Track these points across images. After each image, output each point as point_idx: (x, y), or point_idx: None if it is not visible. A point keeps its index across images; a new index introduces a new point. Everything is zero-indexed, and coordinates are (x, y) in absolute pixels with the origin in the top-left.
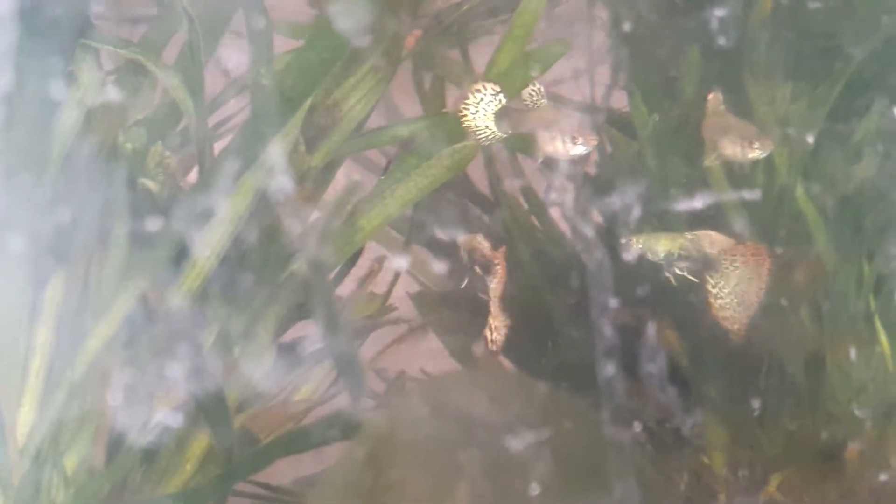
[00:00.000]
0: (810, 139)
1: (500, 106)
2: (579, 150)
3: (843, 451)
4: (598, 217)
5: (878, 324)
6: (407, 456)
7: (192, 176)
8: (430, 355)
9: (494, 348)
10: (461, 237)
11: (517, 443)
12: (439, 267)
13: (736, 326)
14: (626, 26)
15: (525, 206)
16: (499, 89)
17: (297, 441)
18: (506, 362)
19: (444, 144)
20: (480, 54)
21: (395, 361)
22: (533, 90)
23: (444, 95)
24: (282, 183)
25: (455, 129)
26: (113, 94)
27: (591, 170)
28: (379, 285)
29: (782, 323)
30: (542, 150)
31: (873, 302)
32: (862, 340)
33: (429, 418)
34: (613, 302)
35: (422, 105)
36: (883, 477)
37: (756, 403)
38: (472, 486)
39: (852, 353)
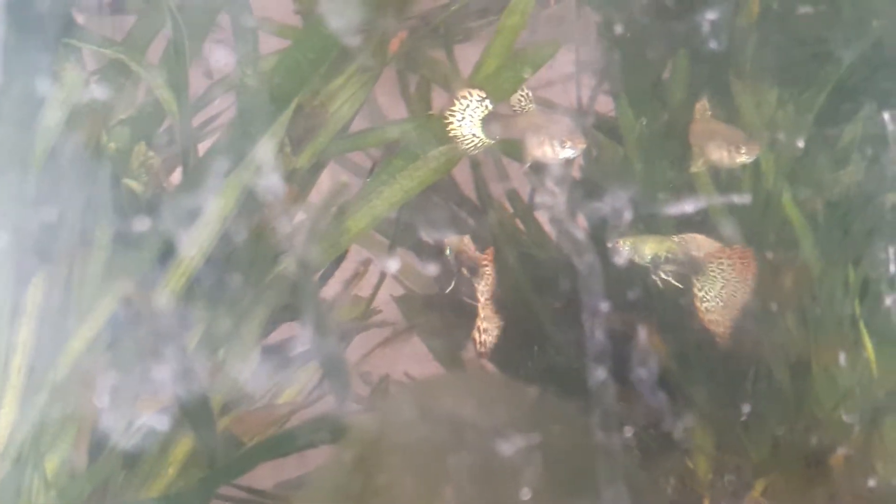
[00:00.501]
0: (800, 144)
1: (486, 112)
2: (568, 153)
3: (828, 457)
4: (581, 221)
5: (863, 329)
6: (392, 460)
7: (176, 176)
8: (415, 359)
9: (483, 350)
10: (448, 239)
11: (501, 446)
12: (424, 270)
13: (721, 330)
14: (615, 30)
15: (511, 209)
16: (484, 95)
17: (281, 444)
18: (490, 366)
19: (430, 147)
20: (467, 57)
21: (378, 365)
22: (521, 95)
23: (429, 97)
24: (268, 184)
25: (442, 132)
26: (97, 92)
27: (576, 174)
28: (363, 288)
29: (768, 327)
30: (530, 155)
31: (858, 307)
32: (847, 345)
33: (413, 422)
34: (599, 306)
35: (407, 107)
36: (868, 482)
37: (741, 408)
38: (458, 490)
39: (838, 358)
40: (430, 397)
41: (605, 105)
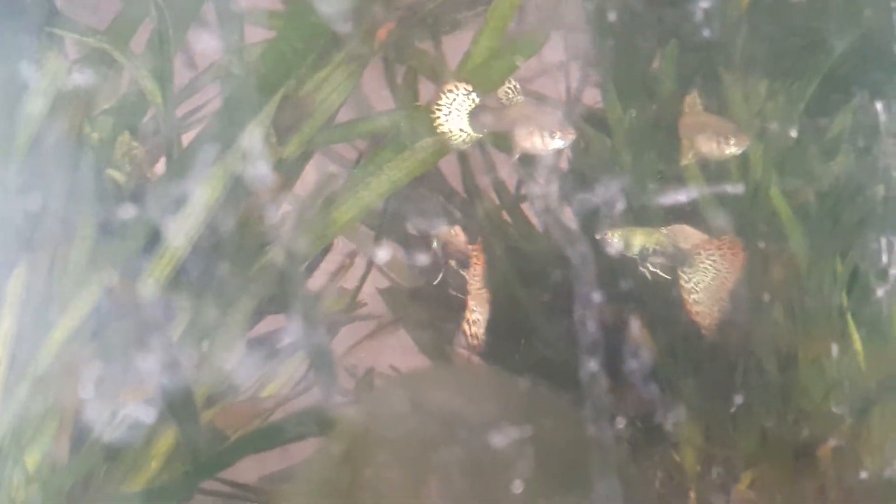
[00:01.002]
0: (793, 134)
1: (473, 105)
2: (557, 145)
3: (816, 449)
4: (568, 212)
5: (850, 320)
6: (378, 452)
7: (160, 166)
8: (401, 351)
9: (476, 343)
10: (436, 230)
11: (488, 439)
12: (411, 262)
13: (709, 321)
14: (604, 19)
15: (498, 201)
16: (471, 88)
17: (266, 437)
18: (477, 358)
19: (418, 138)
20: (456, 47)
21: (364, 357)
22: (508, 87)
23: (417, 88)
24: (254, 174)
25: (429, 123)
26: (79, 81)
27: (564, 165)
28: (348, 280)
29: (756, 318)
30: (518, 147)
31: (846, 299)
32: (835, 337)
33: (399, 415)
34: (587, 297)
35: (393, 98)
36: (855, 474)
37: (730, 400)
38: (444, 483)
39: (826, 349)
40: (415, 390)
41: (592, 96)
